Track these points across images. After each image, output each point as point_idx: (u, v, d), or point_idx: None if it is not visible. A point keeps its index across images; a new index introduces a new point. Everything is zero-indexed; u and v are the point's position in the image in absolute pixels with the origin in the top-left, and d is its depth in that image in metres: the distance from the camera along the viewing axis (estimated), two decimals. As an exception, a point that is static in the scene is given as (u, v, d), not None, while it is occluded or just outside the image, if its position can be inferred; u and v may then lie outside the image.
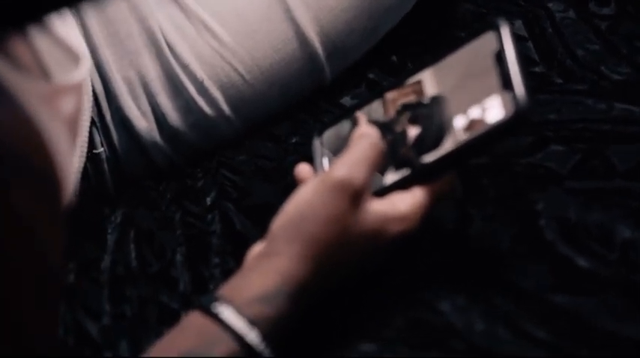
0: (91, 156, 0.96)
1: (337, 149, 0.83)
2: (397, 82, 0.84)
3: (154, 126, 0.98)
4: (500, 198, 0.87)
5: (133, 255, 0.92)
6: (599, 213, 0.84)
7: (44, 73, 0.75)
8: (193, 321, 0.74)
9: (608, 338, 0.75)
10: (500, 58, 0.77)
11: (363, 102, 0.85)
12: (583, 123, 0.93)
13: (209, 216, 0.95)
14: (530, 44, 1.04)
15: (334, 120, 0.86)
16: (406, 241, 0.78)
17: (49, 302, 0.65)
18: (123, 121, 0.98)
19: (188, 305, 0.85)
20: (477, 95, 0.78)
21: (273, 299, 0.73)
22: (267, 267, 0.75)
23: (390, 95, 0.83)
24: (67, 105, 0.73)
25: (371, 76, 1.06)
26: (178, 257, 0.91)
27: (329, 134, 0.86)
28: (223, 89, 0.99)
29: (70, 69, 0.77)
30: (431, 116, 0.80)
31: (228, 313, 0.73)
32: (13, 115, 0.62)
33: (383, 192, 0.79)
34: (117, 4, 0.97)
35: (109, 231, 0.94)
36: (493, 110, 0.76)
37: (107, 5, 0.95)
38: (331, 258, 0.75)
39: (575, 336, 0.76)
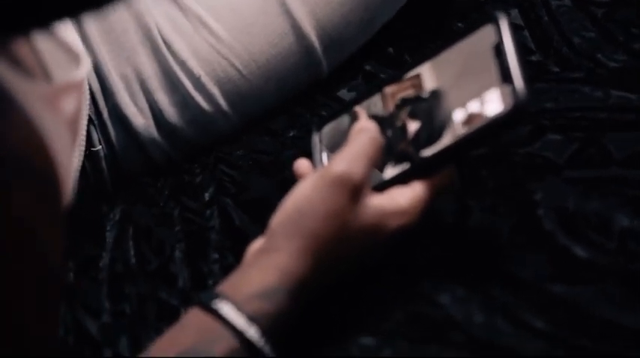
0: (89, 154, 0.96)
1: (336, 144, 0.83)
2: (396, 76, 0.84)
3: (151, 122, 0.98)
4: (499, 189, 0.87)
5: (132, 252, 0.92)
6: (597, 202, 0.84)
7: (46, 74, 0.75)
8: (193, 318, 0.74)
9: (607, 328, 0.75)
10: (499, 51, 0.77)
11: (361, 97, 0.85)
12: (580, 112, 0.93)
13: (207, 212, 0.95)
14: (526, 32, 1.04)
15: (333, 115, 0.86)
16: (406, 235, 0.78)
17: (49, 303, 0.65)
18: (120, 118, 0.98)
19: (187, 301, 0.85)
20: (476, 88, 0.77)
21: (272, 295, 0.74)
22: (267, 263, 0.75)
23: (388, 89, 0.83)
24: (68, 105, 0.73)
25: (367, 67, 1.06)
26: (177, 253, 0.91)
27: (328, 129, 0.86)
28: (220, 84, 0.99)
29: (71, 69, 0.77)
30: (430, 110, 0.80)
31: (227, 309, 0.73)
32: (14, 117, 0.62)
33: (382, 186, 0.79)
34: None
35: (108, 228, 0.95)
36: (492, 103, 0.76)
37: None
38: (331, 253, 0.75)
39: (574, 326, 0.76)
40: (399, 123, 0.81)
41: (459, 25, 1.07)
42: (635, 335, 0.75)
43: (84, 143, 0.93)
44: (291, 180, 0.80)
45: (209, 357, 0.71)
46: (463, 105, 0.78)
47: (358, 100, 0.85)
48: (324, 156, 0.84)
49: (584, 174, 0.88)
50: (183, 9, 0.99)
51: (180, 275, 0.89)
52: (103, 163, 0.97)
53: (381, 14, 1.04)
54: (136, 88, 0.98)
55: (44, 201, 0.63)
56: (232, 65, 0.99)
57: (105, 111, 0.98)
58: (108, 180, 0.98)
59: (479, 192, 0.87)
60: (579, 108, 0.94)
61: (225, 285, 0.76)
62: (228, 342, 0.72)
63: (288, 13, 0.99)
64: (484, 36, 0.78)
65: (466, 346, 0.76)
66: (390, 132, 0.81)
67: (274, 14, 0.99)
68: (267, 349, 0.72)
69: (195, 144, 1.00)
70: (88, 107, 0.94)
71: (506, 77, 0.76)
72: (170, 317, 0.82)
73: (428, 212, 0.79)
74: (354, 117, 0.84)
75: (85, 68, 0.78)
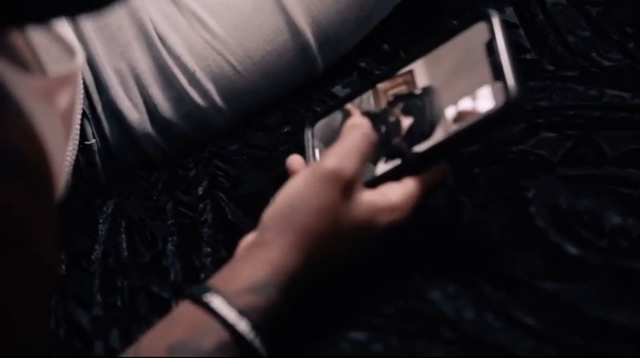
0: (83, 148, 0.96)
1: (328, 140, 0.83)
2: (389, 73, 0.84)
3: (145, 117, 0.98)
4: (491, 186, 0.87)
5: (125, 245, 0.92)
6: (589, 200, 0.84)
7: (40, 68, 0.75)
8: (184, 311, 0.74)
9: (598, 325, 0.76)
10: (491, 48, 0.77)
11: (354, 93, 0.85)
12: (574, 110, 0.93)
13: (200, 206, 0.95)
14: (521, 31, 1.04)
15: (326, 112, 0.86)
16: (397, 231, 0.78)
17: (41, 298, 0.65)
18: (114, 113, 0.98)
19: (179, 294, 0.85)
20: (468, 85, 0.78)
21: (263, 290, 0.74)
22: (258, 257, 0.75)
23: (381, 86, 0.84)
24: (62, 99, 0.73)
25: (362, 64, 1.06)
26: (169, 246, 0.91)
27: (320, 125, 0.86)
28: (215, 80, 0.99)
29: (66, 62, 0.77)
30: (422, 106, 0.80)
31: (218, 303, 0.73)
32: (10, 111, 0.62)
33: (374, 182, 0.79)
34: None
35: (101, 221, 0.95)
36: (484, 100, 0.76)
37: None
38: (322, 248, 0.76)
39: (566, 323, 0.76)
40: (391, 120, 0.81)
41: (454, 22, 1.07)
42: (626, 333, 0.75)
43: (78, 137, 0.93)
44: (284, 175, 0.81)
45: (199, 350, 0.71)
46: (455, 101, 0.78)
47: (351, 97, 0.85)
48: (317, 151, 0.84)
49: (578, 172, 0.88)
50: (178, 5, 0.99)
51: (173, 269, 0.89)
52: (97, 157, 0.97)
53: (377, 11, 1.04)
54: (131, 82, 0.98)
55: (37, 195, 0.63)
56: (227, 61, 0.99)
57: (99, 106, 0.98)
58: (101, 174, 0.98)
59: (471, 188, 0.87)
60: (573, 106, 0.94)
61: (217, 279, 0.76)
62: (218, 336, 0.72)
63: (283, 10, 0.99)
64: (476, 33, 0.79)
65: (456, 342, 0.76)
66: (382, 129, 0.81)
67: (270, 11, 0.99)
68: (257, 343, 0.73)
69: (189, 139, 1.00)
70: (82, 101, 0.94)
71: (498, 74, 0.76)
72: (161, 310, 0.82)
73: (420, 208, 0.79)
74: (347, 114, 0.84)
75: (80, 60, 0.79)
